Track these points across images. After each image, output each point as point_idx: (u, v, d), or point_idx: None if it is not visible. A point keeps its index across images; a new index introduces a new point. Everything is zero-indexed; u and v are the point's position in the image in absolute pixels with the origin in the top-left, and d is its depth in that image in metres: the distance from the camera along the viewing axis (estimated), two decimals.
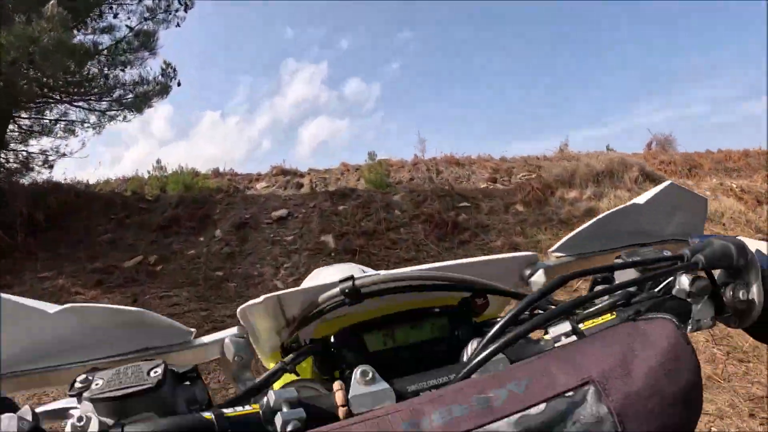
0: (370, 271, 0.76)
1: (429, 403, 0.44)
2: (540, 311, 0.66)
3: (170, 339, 0.69)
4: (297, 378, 0.71)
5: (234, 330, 0.72)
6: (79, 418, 0.46)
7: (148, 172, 14.57)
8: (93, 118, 9.79)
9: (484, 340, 0.57)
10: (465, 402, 0.43)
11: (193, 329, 0.72)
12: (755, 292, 0.64)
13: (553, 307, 0.64)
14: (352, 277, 0.66)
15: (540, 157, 16.72)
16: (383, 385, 0.53)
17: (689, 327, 0.66)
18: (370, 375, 0.53)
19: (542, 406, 0.43)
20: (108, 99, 9.39)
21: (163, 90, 10.15)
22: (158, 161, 14.29)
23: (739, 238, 0.70)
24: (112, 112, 9.86)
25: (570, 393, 0.44)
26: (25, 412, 0.49)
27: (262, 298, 0.68)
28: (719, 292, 0.68)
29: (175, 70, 10.02)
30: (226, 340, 0.70)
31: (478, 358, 0.53)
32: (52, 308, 0.63)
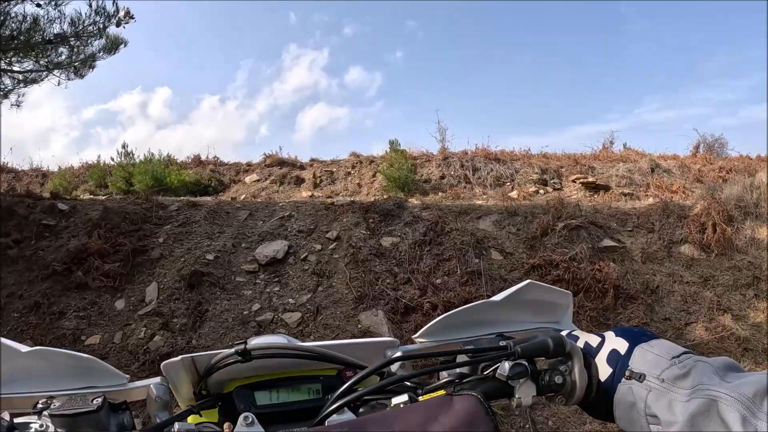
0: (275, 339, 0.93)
1: None
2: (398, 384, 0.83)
3: (110, 381, 0.88)
4: (202, 420, 0.87)
5: (158, 379, 0.89)
6: (41, 425, 0.70)
7: (112, 159, 11.92)
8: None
9: (332, 399, 0.77)
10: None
11: (127, 375, 0.90)
12: (577, 375, 0.76)
13: (407, 383, 0.84)
14: (245, 341, 0.84)
15: (586, 155, 14.13)
16: (260, 428, 0.73)
17: (513, 403, 0.78)
18: (251, 420, 0.73)
19: None
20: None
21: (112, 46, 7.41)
22: (124, 146, 11.59)
23: (564, 332, 0.86)
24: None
25: None
26: (4, 416, 0.73)
27: (179, 357, 0.88)
28: (538, 376, 0.79)
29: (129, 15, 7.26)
30: (151, 385, 0.87)
31: (327, 411, 0.74)
32: (24, 348, 0.83)
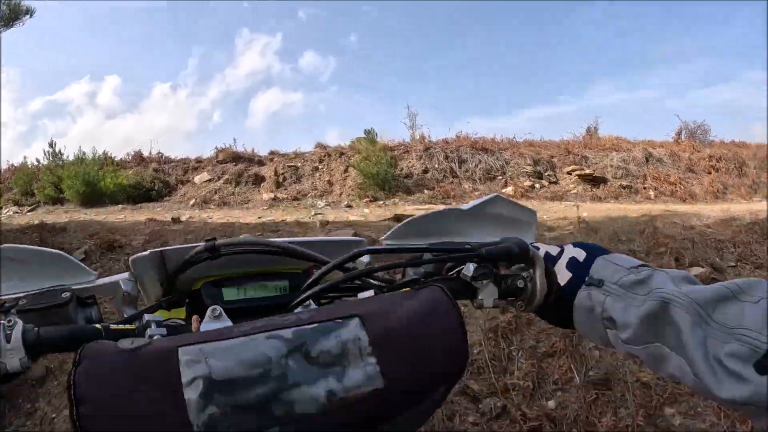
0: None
1: (250, 323, 0.59)
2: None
3: (78, 277, 0.84)
4: (170, 315, 0.85)
5: (126, 275, 0.87)
6: (8, 321, 0.61)
7: (38, 161, 10.06)
8: None
9: (300, 292, 0.74)
10: (269, 319, 0.59)
11: (95, 272, 0.87)
12: (538, 280, 0.76)
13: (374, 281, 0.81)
14: (214, 238, 0.81)
15: (575, 142, 12.99)
16: (227, 321, 0.68)
17: (474, 304, 0.78)
18: (219, 312, 0.68)
19: (315, 324, 0.57)
20: None
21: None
22: (51, 145, 9.75)
23: (534, 243, 0.83)
24: None
25: (339, 320, 0.58)
26: None
27: (148, 251, 0.84)
28: (500, 279, 0.79)
29: None
30: (120, 281, 0.86)
31: (292, 304, 0.71)
32: None
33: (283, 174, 9.12)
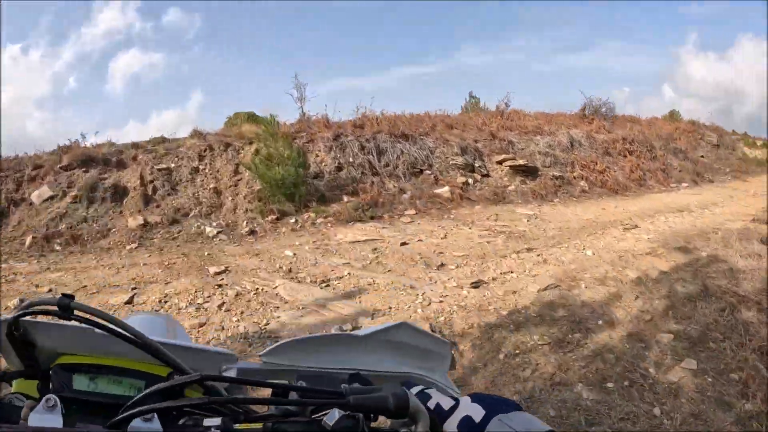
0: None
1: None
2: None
3: None
4: (15, 391, 0.79)
5: None
6: None
7: None
8: None
9: (136, 399, 0.65)
10: None
11: None
12: None
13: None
14: (72, 296, 0.70)
15: (489, 120, 11.69)
16: (58, 417, 0.62)
17: None
18: (53, 403, 0.62)
19: None
20: None
21: None
22: None
23: (416, 389, 0.75)
24: None
25: None
26: None
27: (3, 317, 0.75)
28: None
29: None
30: None
31: (132, 411, 0.61)
32: None
33: (152, 181, 6.70)
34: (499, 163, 9.55)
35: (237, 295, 4.09)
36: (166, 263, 4.92)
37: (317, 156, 7.93)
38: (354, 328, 3.60)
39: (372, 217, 6.56)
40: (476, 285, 4.56)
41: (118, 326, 0.71)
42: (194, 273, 4.64)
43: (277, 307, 3.89)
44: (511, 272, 5.01)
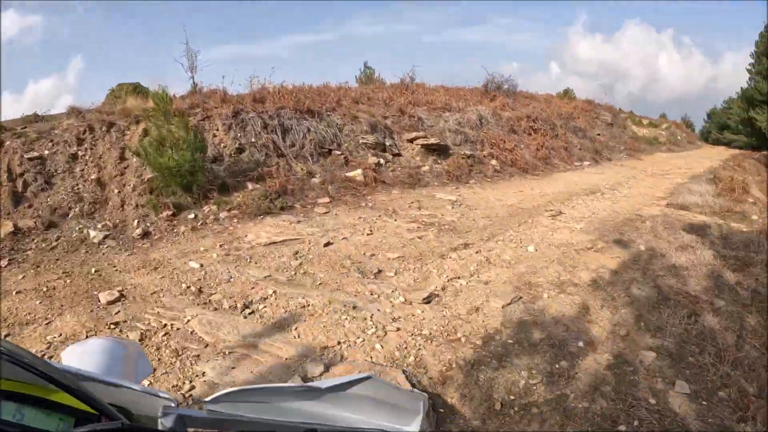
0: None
1: None
2: None
3: None
4: None
5: None
6: None
7: None
8: None
9: None
10: None
11: None
12: None
13: None
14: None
15: (395, 94, 11.20)
16: None
17: None
18: None
19: None
20: None
21: None
22: None
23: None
24: None
25: None
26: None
27: None
28: None
29: None
30: None
31: None
32: None
33: (22, 174, 5.53)
34: (410, 141, 9.11)
35: (141, 339, 3.20)
36: (45, 289, 3.89)
37: (215, 136, 7.05)
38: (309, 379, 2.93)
39: (282, 208, 5.86)
40: (428, 300, 4.03)
41: (38, 365, 0.65)
42: (81, 303, 3.67)
43: (198, 356, 3.02)
44: (458, 278, 4.51)
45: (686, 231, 6.58)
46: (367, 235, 5.33)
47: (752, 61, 33.64)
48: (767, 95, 30.38)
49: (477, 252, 5.21)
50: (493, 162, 9.93)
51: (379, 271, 4.52)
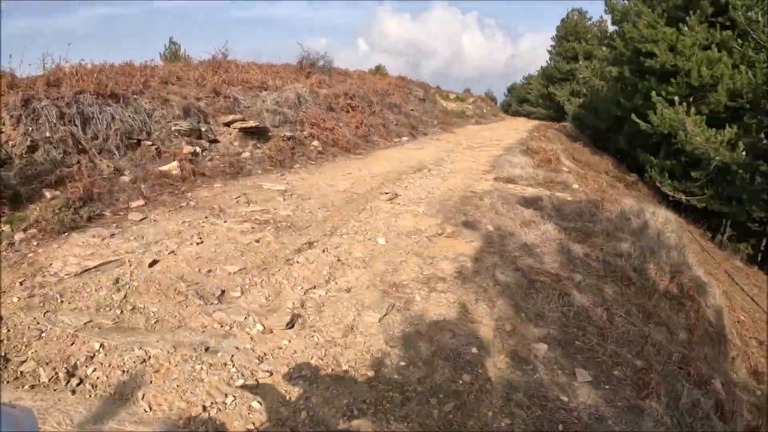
0: None
1: None
2: None
3: None
4: None
5: None
6: None
7: None
8: None
9: None
10: None
11: None
12: None
13: None
14: None
15: (206, 73, 10.61)
16: None
17: None
18: None
19: None
20: None
21: None
22: None
23: None
24: None
25: None
26: None
27: None
28: None
29: None
30: None
31: None
32: None
33: None
34: (227, 125, 8.71)
35: None
36: None
37: (1, 132, 6.09)
38: None
39: (90, 219, 5.18)
40: (291, 323, 3.68)
41: None
42: None
43: None
44: (315, 288, 4.25)
45: (522, 205, 7.13)
46: (197, 244, 4.73)
47: (553, 43, 37.91)
48: (565, 73, 34.72)
49: (324, 251, 4.94)
50: (315, 143, 9.90)
51: (223, 292, 3.96)
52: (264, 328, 3.55)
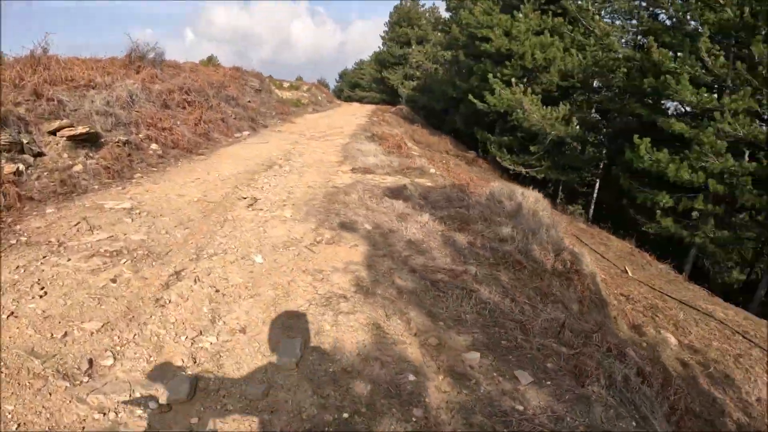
0: None
1: None
2: None
3: None
4: None
5: None
6: None
7: None
8: None
9: None
10: None
11: None
12: None
13: None
14: None
15: (21, 72, 9.50)
16: None
17: None
18: None
19: None
20: None
21: None
22: None
23: None
24: None
25: None
26: None
27: None
28: None
29: None
30: None
31: None
32: None
33: None
34: (53, 133, 7.73)
35: None
36: None
37: None
38: None
39: None
40: (191, 393, 2.94)
41: None
42: None
43: None
44: (201, 335, 3.48)
45: (390, 197, 6.91)
46: (41, 297, 3.61)
47: (386, 29, 38.79)
48: (398, 58, 35.74)
49: (196, 281, 4.18)
50: (154, 146, 9.20)
51: (90, 362, 3.01)
52: (159, 404, 2.77)
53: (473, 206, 6.83)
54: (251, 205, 6.55)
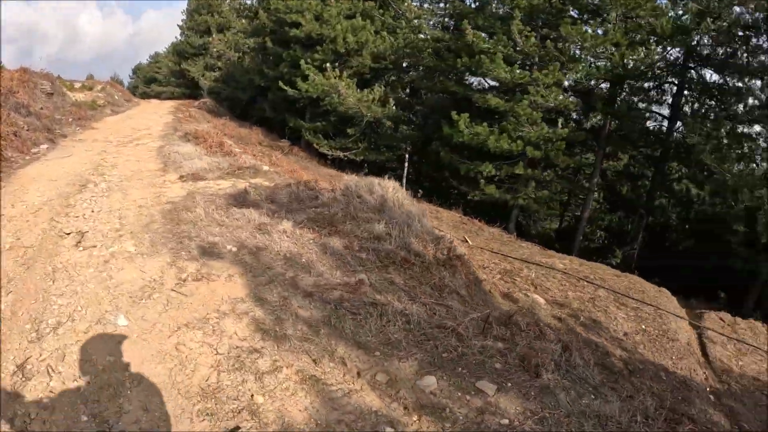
0: None
1: None
2: None
3: None
4: None
5: None
6: None
7: None
8: None
9: None
10: None
11: None
12: None
13: None
14: None
15: None
16: None
17: None
18: None
19: None
20: None
21: None
22: None
23: None
24: None
25: None
26: None
27: None
28: None
29: None
30: None
31: None
32: None
33: None
34: None
35: None
36: None
37: None
38: None
39: None
40: None
41: None
42: None
43: None
44: None
45: (236, 206, 6.39)
46: None
47: (184, 17, 35.96)
48: (198, 47, 33.43)
49: (50, 375, 3.00)
50: None
51: None
52: None
53: (330, 204, 6.50)
54: (79, 242, 5.26)
